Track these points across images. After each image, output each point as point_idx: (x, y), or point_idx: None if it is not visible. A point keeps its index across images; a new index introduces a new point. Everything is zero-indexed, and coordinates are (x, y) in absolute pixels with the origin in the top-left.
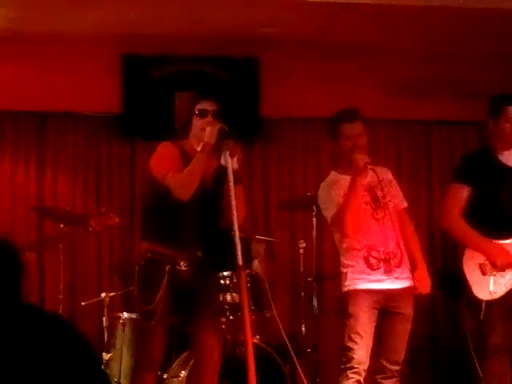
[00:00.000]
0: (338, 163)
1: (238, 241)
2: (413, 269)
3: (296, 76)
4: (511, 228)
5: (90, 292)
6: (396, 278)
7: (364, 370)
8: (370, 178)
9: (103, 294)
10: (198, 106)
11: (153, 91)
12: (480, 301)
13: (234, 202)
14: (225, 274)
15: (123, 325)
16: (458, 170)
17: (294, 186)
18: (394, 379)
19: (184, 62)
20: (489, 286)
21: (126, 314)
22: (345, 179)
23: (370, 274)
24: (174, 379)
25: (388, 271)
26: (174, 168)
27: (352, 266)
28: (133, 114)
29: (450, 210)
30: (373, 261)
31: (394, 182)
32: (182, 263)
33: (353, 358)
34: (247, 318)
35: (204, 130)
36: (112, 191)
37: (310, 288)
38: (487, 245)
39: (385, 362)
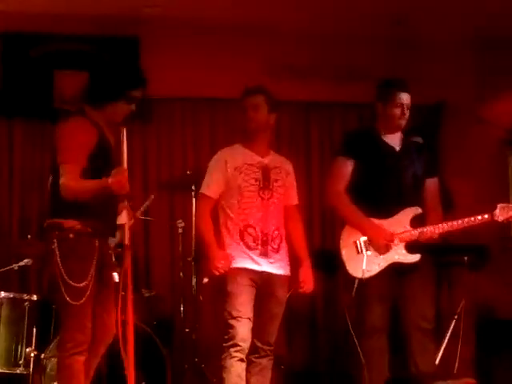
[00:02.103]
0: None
1: (126, 220)
2: (297, 266)
3: (178, 56)
4: (391, 206)
5: None
6: (271, 263)
7: (247, 348)
8: (268, 160)
9: None
10: (134, 93)
11: (32, 70)
12: (353, 278)
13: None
14: None
15: (0, 304)
16: (342, 145)
17: (174, 165)
18: (268, 357)
19: (64, 42)
20: (362, 264)
21: (3, 293)
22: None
23: (246, 254)
24: (52, 359)
25: (264, 254)
26: (79, 158)
27: (229, 244)
28: (12, 92)
29: (334, 184)
30: (248, 238)
31: (292, 176)
32: (109, 238)
33: (234, 336)
34: (130, 297)
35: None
36: None
37: (188, 268)
38: (368, 225)
39: (258, 343)
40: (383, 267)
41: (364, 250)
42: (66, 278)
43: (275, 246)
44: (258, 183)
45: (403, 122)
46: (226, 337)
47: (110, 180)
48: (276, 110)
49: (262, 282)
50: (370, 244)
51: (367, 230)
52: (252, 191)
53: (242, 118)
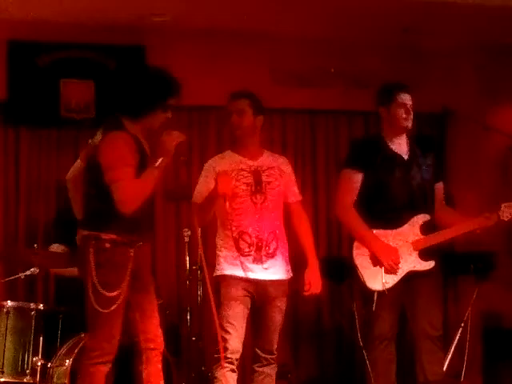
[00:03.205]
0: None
1: None
2: (303, 266)
3: (183, 64)
4: (401, 216)
5: None
6: (265, 269)
7: (237, 359)
8: (260, 162)
9: None
10: (170, 101)
11: (39, 78)
12: (372, 292)
13: None
14: None
15: (7, 313)
16: (349, 156)
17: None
18: (271, 366)
19: (71, 50)
20: (381, 277)
21: (10, 303)
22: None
23: (240, 261)
24: (59, 368)
25: (258, 260)
26: (128, 172)
27: (223, 250)
28: (18, 101)
29: (343, 197)
30: (243, 245)
31: (289, 173)
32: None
33: (226, 348)
34: None
35: (161, 124)
36: None
37: (195, 276)
38: (374, 243)
39: (258, 351)
40: (400, 278)
41: (380, 263)
42: (98, 286)
43: (270, 251)
44: (249, 188)
45: (409, 124)
46: (217, 348)
47: (157, 162)
48: (262, 113)
49: (258, 292)
50: (381, 264)
51: (377, 251)
52: (243, 197)
53: (228, 123)
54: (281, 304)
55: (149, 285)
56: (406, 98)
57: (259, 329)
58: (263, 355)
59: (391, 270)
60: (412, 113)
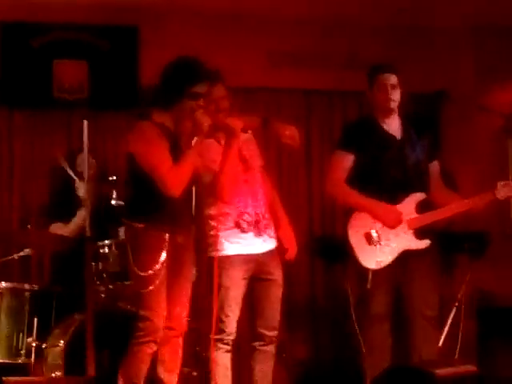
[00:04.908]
0: None
1: None
2: (276, 226)
3: (177, 45)
4: (396, 195)
5: None
6: (264, 241)
7: (232, 340)
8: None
9: None
10: (195, 89)
11: (32, 59)
12: (366, 270)
13: None
14: (106, 242)
15: (1, 294)
16: (341, 138)
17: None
18: (272, 344)
19: (64, 31)
20: (375, 256)
21: (3, 283)
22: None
23: (240, 238)
24: (53, 349)
25: (258, 234)
26: (163, 156)
27: (222, 231)
28: (11, 82)
29: (334, 176)
30: (244, 225)
31: (253, 140)
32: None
33: (224, 330)
34: None
35: (193, 112)
36: None
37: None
38: (375, 206)
39: (262, 330)
40: (395, 256)
41: (375, 241)
42: (134, 268)
43: (266, 222)
44: (239, 169)
45: (393, 104)
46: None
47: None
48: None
49: (258, 268)
50: (381, 231)
51: (374, 209)
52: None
53: None
54: (280, 278)
55: (186, 272)
56: (388, 79)
57: (262, 306)
58: (267, 333)
59: (395, 224)
60: (397, 93)
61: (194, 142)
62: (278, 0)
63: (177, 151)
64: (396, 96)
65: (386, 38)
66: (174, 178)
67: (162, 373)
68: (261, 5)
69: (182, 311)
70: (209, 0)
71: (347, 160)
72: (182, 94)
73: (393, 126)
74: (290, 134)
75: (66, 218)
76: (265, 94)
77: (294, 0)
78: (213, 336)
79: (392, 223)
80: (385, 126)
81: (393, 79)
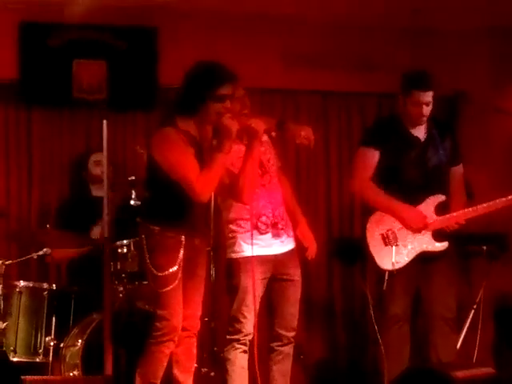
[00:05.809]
0: None
1: None
2: (294, 227)
3: (195, 46)
4: (416, 197)
5: None
6: (282, 242)
7: (249, 341)
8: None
9: None
10: (220, 91)
11: (51, 59)
12: (383, 271)
13: None
14: (124, 242)
15: (20, 293)
16: (367, 134)
17: None
18: (290, 345)
19: (82, 31)
20: (391, 257)
21: (22, 283)
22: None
23: (258, 239)
24: (71, 348)
25: (276, 235)
26: (191, 164)
27: (241, 233)
28: (30, 81)
29: (360, 172)
30: (262, 226)
31: (270, 142)
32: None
33: (241, 331)
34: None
35: (219, 114)
36: (9, 159)
37: (207, 257)
38: (401, 207)
39: (281, 331)
40: (412, 257)
41: (392, 243)
42: (151, 268)
43: (283, 223)
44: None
45: (423, 119)
46: (231, 329)
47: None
48: None
49: (276, 268)
50: (399, 233)
51: (400, 212)
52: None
53: None
54: (299, 279)
55: (200, 273)
56: (424, 97)
57: (281, 307)
58: (285, 333)
59: (418, 230)
60: (430, 108)
61: (222, 145)
62: (294, 2)
63: (201, 158)
64: (429, 111)
65: (401, 40)
66: (203, 184)
67: (177, 373)
68: (277, 7)
69: (196, 312)
70: (226, 2)
71: (373, 156)
72: (207, 97)
73: (418, 127)
74: (305, 134)
75: (84, 219)
76: (282, 96)
77: (310, 2)
78: (228, 336)
79: (417, 227)
80: (410, 127)
81: (428, 97)
